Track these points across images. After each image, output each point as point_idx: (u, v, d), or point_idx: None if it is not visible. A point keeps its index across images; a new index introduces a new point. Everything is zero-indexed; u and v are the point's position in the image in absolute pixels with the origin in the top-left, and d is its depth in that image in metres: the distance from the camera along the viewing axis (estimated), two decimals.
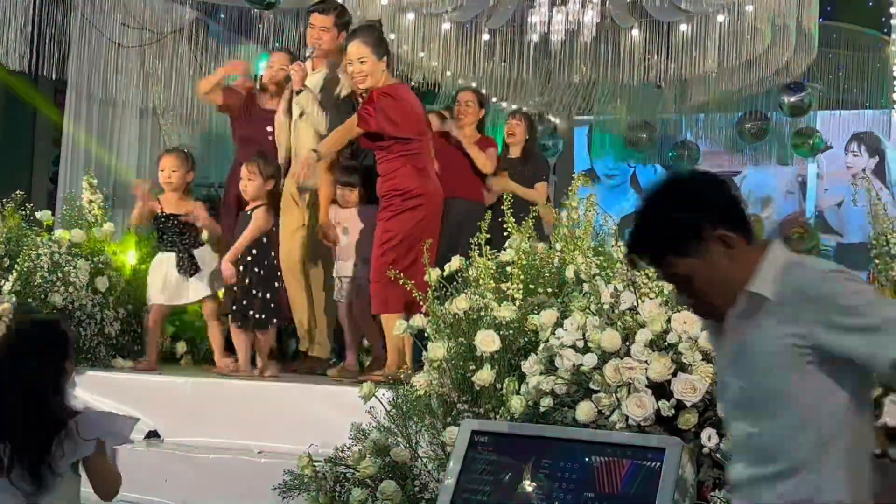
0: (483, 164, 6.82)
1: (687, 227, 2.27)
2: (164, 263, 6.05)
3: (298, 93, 5.94)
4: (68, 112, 8.10)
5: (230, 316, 5.92)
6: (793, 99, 10.05)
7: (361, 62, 5.47)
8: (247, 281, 5.83)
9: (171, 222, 6.04)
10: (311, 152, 5.59)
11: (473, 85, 8.48)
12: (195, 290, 6.05)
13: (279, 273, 5.96)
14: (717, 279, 2.28)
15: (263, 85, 6.51)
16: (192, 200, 6.16)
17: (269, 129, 6.27)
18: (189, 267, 6.00)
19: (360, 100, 5.66)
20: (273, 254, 5.93)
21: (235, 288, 5.84)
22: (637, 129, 10.56)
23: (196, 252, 6.05)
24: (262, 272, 5.86)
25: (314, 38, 6.11)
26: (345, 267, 5.94)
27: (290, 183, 6.03)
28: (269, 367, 5.90)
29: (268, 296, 5.89)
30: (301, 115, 5.97)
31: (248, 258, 5.84)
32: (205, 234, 6.09)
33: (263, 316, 5.87)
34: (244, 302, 5.83)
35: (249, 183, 5.88)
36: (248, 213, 5.90)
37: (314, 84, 6.04)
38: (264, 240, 5.90)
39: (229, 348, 6.08)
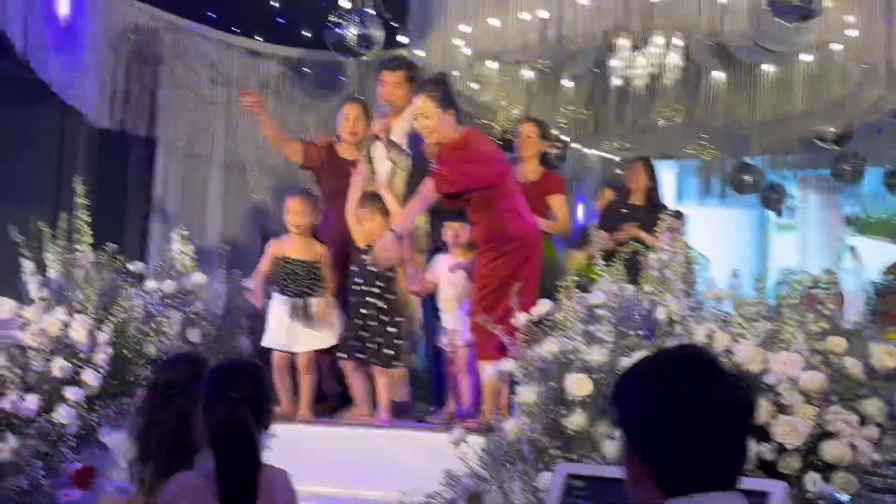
0: (549, 226, 6.47)
1: None
2: (277, 308, 5.94)
3: (389, 148, 6.07)
4: (158, 168, 8.27)
5: (349, 352, 5.80)
6: None
7: (426, 117, 5.46)
8: (371, 312, 5.77)
9: (290, 267, 5.92)
10: (389, 234, 5.46)
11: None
12: (308, 339, 5.91)
13: (404, 310, 5.91)
14: None
15: (341, 136, 6.58)
16: (316, 244, 6.06)
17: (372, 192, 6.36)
18: (304, 314, 5.86)
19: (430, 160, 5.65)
20: (399, 287, 5.86)
21: (357, 321, 5.78)
22: (742, 171, 10.37)
23: (312, 300, 5.90)
24: (387, 306, 5.79)
25: (387, 95, 6.25)
26: (448, 317, 5.88)
27: None
28: (385, 412, 5.76)
29: (395, 330, 5.79)
30: (392, 172, 6.11)
31: (376, 290, 5.79)
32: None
33: (393, 352, 5.76)
34: (370, 335, 5.75)
35: (371, 224, 5.85)
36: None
37: (399, 139, 6.12)
38: (390, 273, 5.81)
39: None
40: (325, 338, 5.97)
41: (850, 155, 10.09)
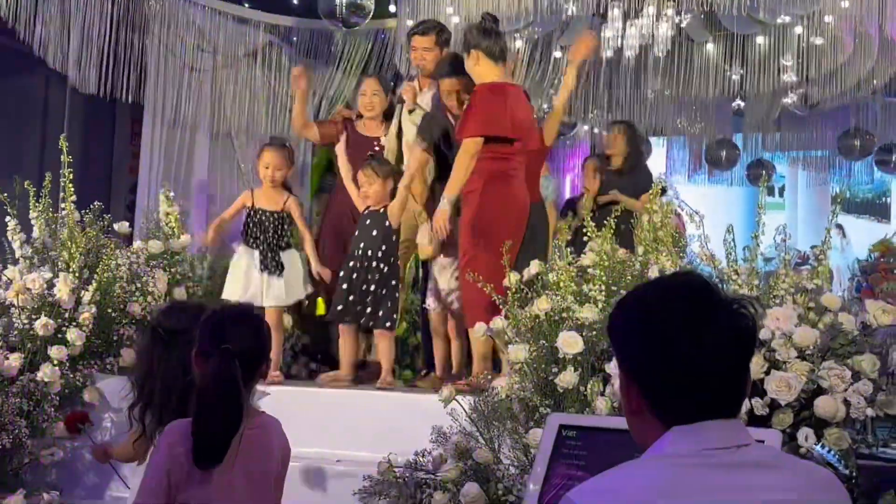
0: None
1: None
2: (245, 260, 5.88)
3: (411, 112, 6.00)
4: (145, 134, 8.18)
5: (344, 316, 5.72)
6: None
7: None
8: (370, 277, 5.70)
9: (260, 217, 5.91)
10: (444, 206, 5.36)
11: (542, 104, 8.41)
12: (273, 296, 5.86)
13: (399, 275, 5.85)
14: None
15: (359, 112, 6.52)
16: (285, 195, 6.01)
17: (370, 154, 6.31)
18: (273, 266, 5.83)
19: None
20: (397, 255, 5.81)
21: (348, 285, 5.70)
22: (718, 146, 10.34)
23: (282, 254, 5.89)
24: (388, 269, 5.74)
25: (418, 60, 6.18)
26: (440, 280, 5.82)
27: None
28: (388, 378, 5.68)
29: (392, 295, 5.73)
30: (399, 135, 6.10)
31: (379, 254, 5.72)
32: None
33: (394, 315, 5.70)
34: (363, 300, 5.69)
35: (371, 187, 5.80)
36: (380, 210, 5.78)
37: (425, 104, 6.08)
38: (394, 238, 5.77)
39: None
40: (292, 292, 5.92)
41: (859, 131, 10.09)
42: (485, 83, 5.36)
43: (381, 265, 5.72)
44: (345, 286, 5.71)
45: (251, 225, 5.90)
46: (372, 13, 7.98)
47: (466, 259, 5.25)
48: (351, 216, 6.16)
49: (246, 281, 5.83)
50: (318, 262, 6.02)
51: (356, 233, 5.84)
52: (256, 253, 5.85)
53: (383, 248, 5.73)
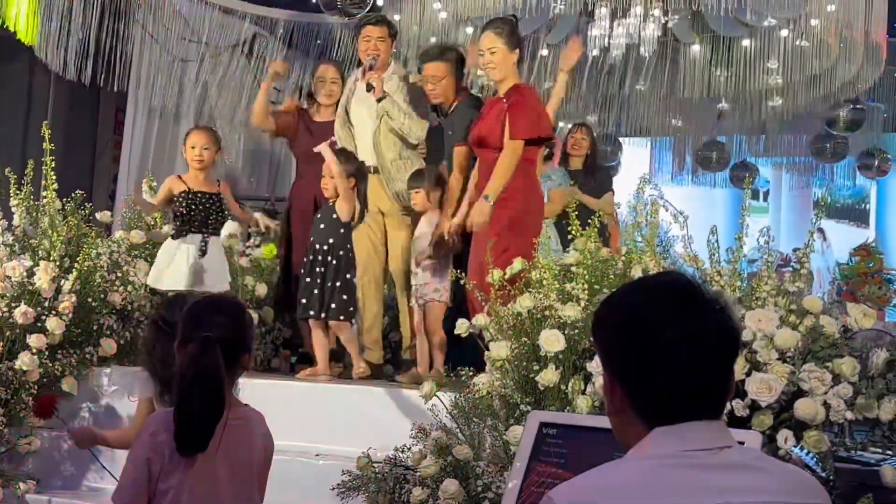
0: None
1: None
2: (184, 245, 5.75)
3: (379, 101, 6.02)
4: (128, 122, 8.14)
5: (307, 311, 5.73)
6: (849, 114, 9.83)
7: (492, 52, 5.41)
8: (322, 271, 5.72)
9: (198, 200, 5.81)
10: (483, 200, 5.32)
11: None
12: (213, 278, 5.76)
13: (353, 267, 5.87)
14: None
15: (316, 98, 6.51)
16: (215, 181, 5.98)
17: (332, 139, 6.29)
18: (213, 251, 5.77)
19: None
20: (349, 246, 5.83)
21: (310, 280, 5.72)
22: (708, 148, 10.37)
23: (213, 239, 5.82)
24: (338, 263, 5.74)
25: (372, 50, 6.20)
26: (421, 274, 5.84)
27: (371, 187, 6.07)
28: (361, 365, 5.73)
29: (346, 287, 5.75)
30: (380, 120, 6.10)
31: (326, 248, 5.74)
32: (266, 228, 5.94)
33: (341, 307, 5.71)
34: (322, 293, 5.70)
35: (331, 180, 5.80)
36: (331, 203, 5.82)
37: (390, 91, 6.09)
38: (342, 230, 5.78)
39: None
40: (222, 278, 5.87)
41: (832, 134, 10.13)
42: (522, 84, 5.52)
43: (330, 258, 5.73)
44: (307, 280, 5.75)
45: (190, 208, 5.78)
46: (371, 4, 7.98)
47: (505, 256, 5.09)
48: (315, 204, 6.18)
49: (186, 267, 5.70)
50: (245, 213, 6.08)
51: (319, 223, 5.88)
52: (198, 237, 5.77)
53: (330, 241, 5.75)
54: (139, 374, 3.80)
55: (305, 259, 5.80)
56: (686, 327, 1.75)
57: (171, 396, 3.17)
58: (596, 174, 7.54)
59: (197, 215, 5.80)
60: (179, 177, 5.97)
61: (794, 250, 6.60)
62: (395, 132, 6.11)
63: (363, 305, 6.16)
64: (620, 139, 10.60)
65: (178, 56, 8.38)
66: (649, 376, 1.76)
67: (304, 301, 5.74)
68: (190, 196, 5.81)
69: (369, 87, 6.08)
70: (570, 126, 8.25)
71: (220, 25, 8.57)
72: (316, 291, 5.71)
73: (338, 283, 5.72)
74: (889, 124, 10.11)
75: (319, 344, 5.78)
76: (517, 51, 5.48)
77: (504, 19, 5.69)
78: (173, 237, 5.82)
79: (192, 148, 5.88)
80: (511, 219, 5.31)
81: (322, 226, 5.80)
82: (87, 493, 5.11)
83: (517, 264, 4.85)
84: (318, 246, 5.77)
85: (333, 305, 5.69)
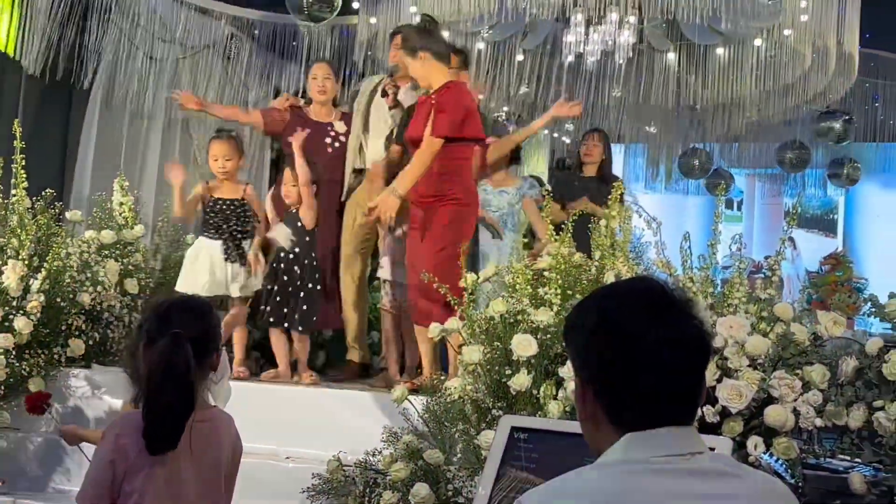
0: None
1: None
2: (206, 251, 5.75)
3: (391, 109, 6.01)
4: (95, 121, 8.05)
5: (268, 319, 5.76)
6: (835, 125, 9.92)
7: (404, 65, 5.46)
8: (286, 279, 5.73)
9: (220, 207, 5.79)
10: (390, 193, 5.29)
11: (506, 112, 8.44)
12: (239, 285, 5.75)
13: (318, 276, 5.86)
14: None
15: (311, 97, 6.47)
16: (242, 184, 5.94)
17: (327, 140, 6.28)
18: (236, 256, 5.72)
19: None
20: (313, 255, 5.82)
21: (274, 288, 5.72)
22: (689, 156, 10.43)
23: (244, 243, 5.79)
24: (301, 272, 5.75)
25: (394, 58, 6.16)
26: (386, 271, 5.86)
27: (361, 197, 6.05)
28: (308, 374, 5.76)
29: (309, 297, 5.77)
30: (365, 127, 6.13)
31: (291, 256, 5.74)
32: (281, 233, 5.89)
33: (303, 318, 5.75)
34: (285, 302, 5.72)
35: (293, 188, 5.82)
36: (293, 211, 5.85)
37: (405, 102, 6.07)
38: (307, 238, 5.78)
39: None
40: (256, 282, 5.83)
41: (795, 144, 10.22)
42: (454, 81, 5.40)
43: (295, 267, 5.75)
44: (268, 287, 5.75)
45: (212, 215, 5.79)
46: (339, 9, 7.96)
47: (442, 255, 5.16)
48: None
49: (210, 273, 5.69)
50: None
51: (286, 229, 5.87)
52: (219, 243, 5.74)
53: (296, 250, 5.77)
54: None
55: (272, 265, 5.78)
56: (658, 333, 1.74)
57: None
58: (609, 183, 7.40)
59: (220, 222, 5.77)
60: (206, 182, 5.95)
61: (766, 258, 6.64)
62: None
63: (346, 306, 6.17)
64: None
65: (151, 55, 8.31)
66: (621, 382, 1.75)
67: (267, 308, 5.74)
68: (211, 203, 5.81)
69: (384, 94, 6.10)
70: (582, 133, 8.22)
71: (196, 25, 8.51)
72: (279, 300, 5.72)
73: (301, 294, 5.74)
74: (860, 134, 10.20)
75: (280, 348, 5.82)
76: (421, 53, 5.33)
77: (406, 26, 5.72)
78: (200, 240, 5.84)
79: (215, 160, 5.85)
80: (449, 218, 5.27)
81: (287, 233, 5.79)
82: (53, 494, 5.07)
83: (490, 269, 4.87)
84: (282, 253, 5.76)
85: (296, 317, 5.71)
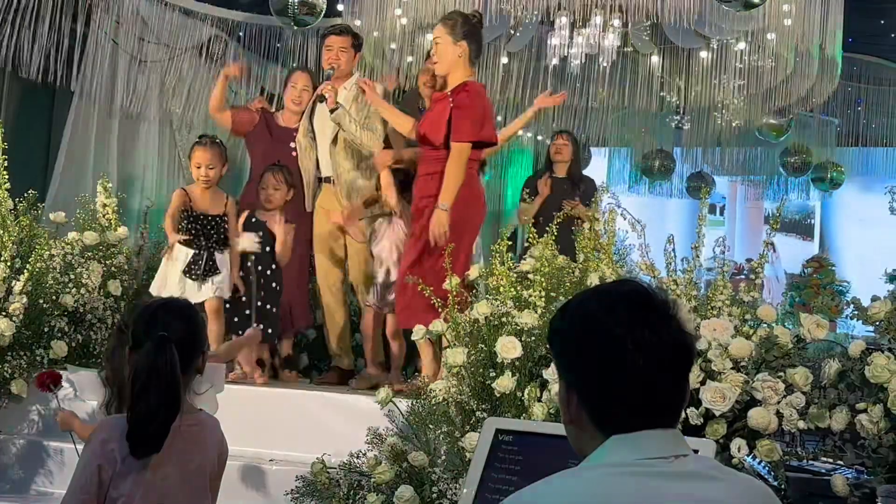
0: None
1: None
2: (183, 258, 5.58)
3: (332, 111, 5.90)
4: (80, 122, 8.02)
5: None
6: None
7: (437, 43, 5.27)
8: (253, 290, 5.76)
9: (201, 222, 5.61)
10: (440, 209, 5.14)
11: None
12: (209, 289, 5.61)
13: (279, 288, 5.90)
14: None
15: (285, 104, 6.46)
16: (224, 197, 5.77)
17: (291, 145, 6.26)
18: (204, 270, 5.54)
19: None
20: (275, 266, 5.85)
21: (243, 298, 5.72)
22: (651, 156, 10.47)
23: (218, 256, 5.59)
24: (262, 281, 5.78)
25: (333, 59, 6.12)
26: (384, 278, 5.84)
27: (327, 198, 6.08)
28: (259, 374, 5.76)
29: (274, 309, 5.81)
30: (336, 133, 6.03)
31: (257, 269, 5.77)
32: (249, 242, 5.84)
33: (270, 330, 5.80)
34: (253, 314, 5.74)
35: (276, 192, 5.82)
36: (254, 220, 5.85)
37: (345, 102, 6.01)
38: (267, 248, 5.78)
39: None
40: (222, 287, 5.71)
41: (798, 148, 10.27)
42: (471, 81, 5.28)
43: (259, 276, 5.78)
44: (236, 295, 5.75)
45: (191, 228, 5.59)
46: (323, 13, 7.96)
47: (443, 258, 5.01)
48: None
49: (181, 280, 5.57)
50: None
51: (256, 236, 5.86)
52: (191, 254, 5.56)
53: (262, 256, 5.79)
54: None
55: (240, 272, 5.78)
56: (643, 336, 1.74)
57: (119, 405, 3.13)
58: (581, 184, 7.46)
59: (198, 237, 5.59)
60: (184, 190, 5.72)
61: (748, 260, 6.66)
62: (351, 144, 6.00)
63: (329, 314, 6.19)
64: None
65: (135, 56, 8.28)
66: (605, 385, 1.76)
67: (234, 320, 5.74)
68: (190, 216, 5.60)
69: (322, 98, 6.02)
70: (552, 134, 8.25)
71: (180, 27, 8.49)
72: (248, 312, 5.74)
73: (258, 303, 5.76)
74: (843, 139, 10.26)
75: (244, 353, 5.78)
76: (463, 43, 5.21)
77: (459, 12, 5.52)
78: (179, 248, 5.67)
79: (198, 167, 5.63)
80: (452, 221, 5.17)
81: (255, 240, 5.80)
82: (36, 496, 5.03)
83: (474, 271, 4.88)
84: (248, 263, 5.79)
85: (261, 326, 5.72)
